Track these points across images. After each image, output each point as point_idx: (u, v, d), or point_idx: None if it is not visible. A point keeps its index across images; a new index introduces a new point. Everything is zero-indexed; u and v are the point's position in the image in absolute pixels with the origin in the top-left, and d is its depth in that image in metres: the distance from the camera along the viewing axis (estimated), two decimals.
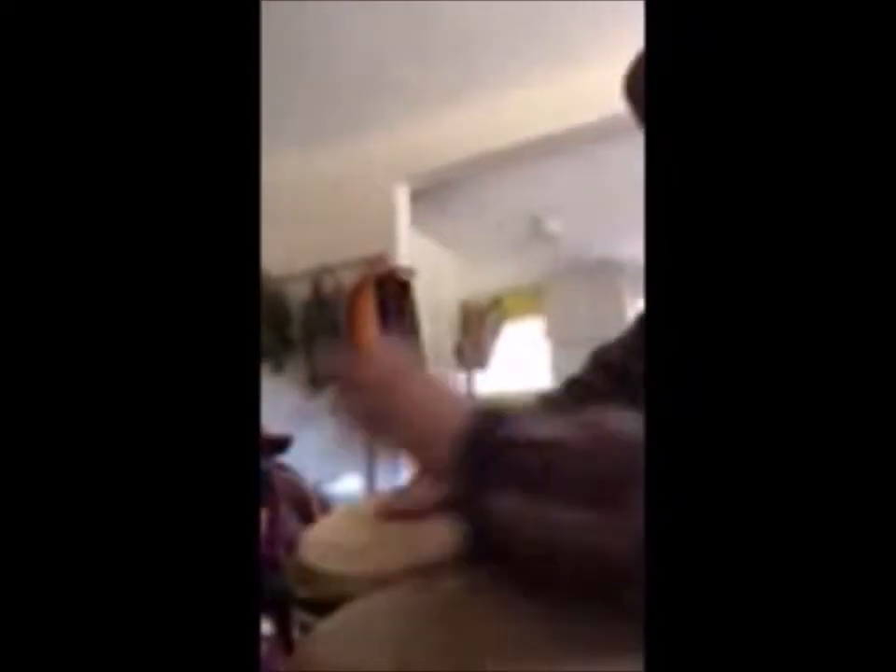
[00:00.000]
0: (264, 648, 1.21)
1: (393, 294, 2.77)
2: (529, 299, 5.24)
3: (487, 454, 0.44)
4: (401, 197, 3.04)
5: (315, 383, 2.86)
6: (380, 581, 0.60)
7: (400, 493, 0.67)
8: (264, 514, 1.65)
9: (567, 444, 0.43)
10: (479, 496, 0.44)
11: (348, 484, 2.62)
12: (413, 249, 3.07)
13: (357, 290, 2.79)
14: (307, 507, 1.89)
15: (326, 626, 0.49)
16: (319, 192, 3.15)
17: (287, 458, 2.02)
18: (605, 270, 4.90)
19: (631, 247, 4.27)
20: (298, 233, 3.06)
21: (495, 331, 4.36)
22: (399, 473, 2.76)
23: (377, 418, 0.50)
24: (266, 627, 1.25)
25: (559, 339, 5.08)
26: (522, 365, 5.14)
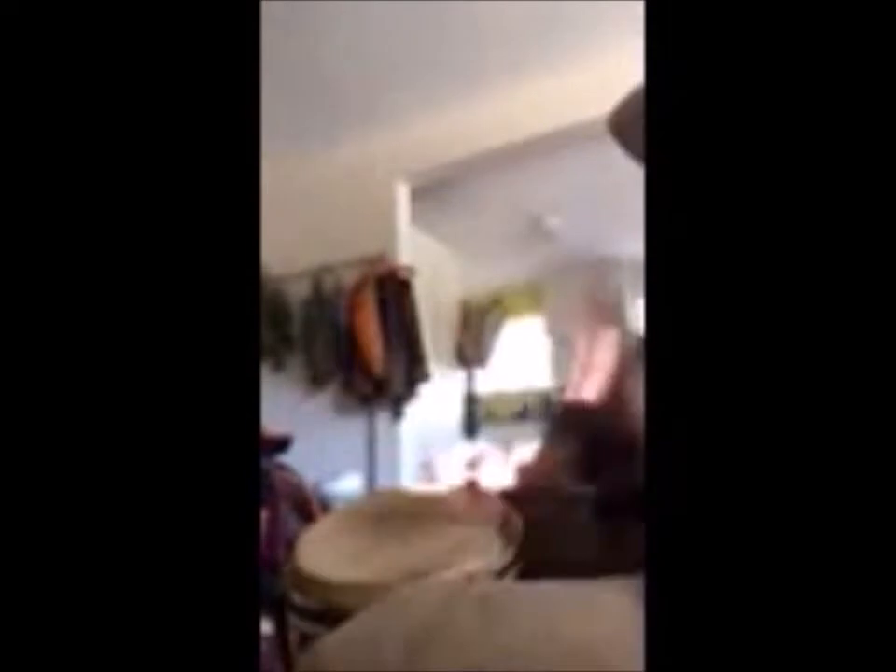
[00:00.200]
0: (264, 648, 1.21)
1: (393, 293, 2.77)
2: (529, 297, 5.24)
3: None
4: (401, 195, 3.04)
5: (316, 381, 2.87)
6: (377, 589, 0.59)
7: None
8: (264, 514, 1.65)
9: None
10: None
11: (348, 484, 2.63)
12: (413, 248, 3.07)
13: (358, 289, 2.79)
14: (307, 507, 1.89)
15: (331, 639, 0.48)
16: (319, 191, 3.15)
17: (286, 458, 2.02)
18: (605, 268, 4.90)
19: (631, 245, 4.27)
20: (298, 232, 3.06)
21: (495, 329, 4.37)
22: (399, 473, 2.77)
23: None
24: (266, 627, 1.25)
25: (559, 336, 5.09)
26: (522, 363, 5.15)
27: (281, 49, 2.29)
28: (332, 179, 3.14)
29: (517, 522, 0.69)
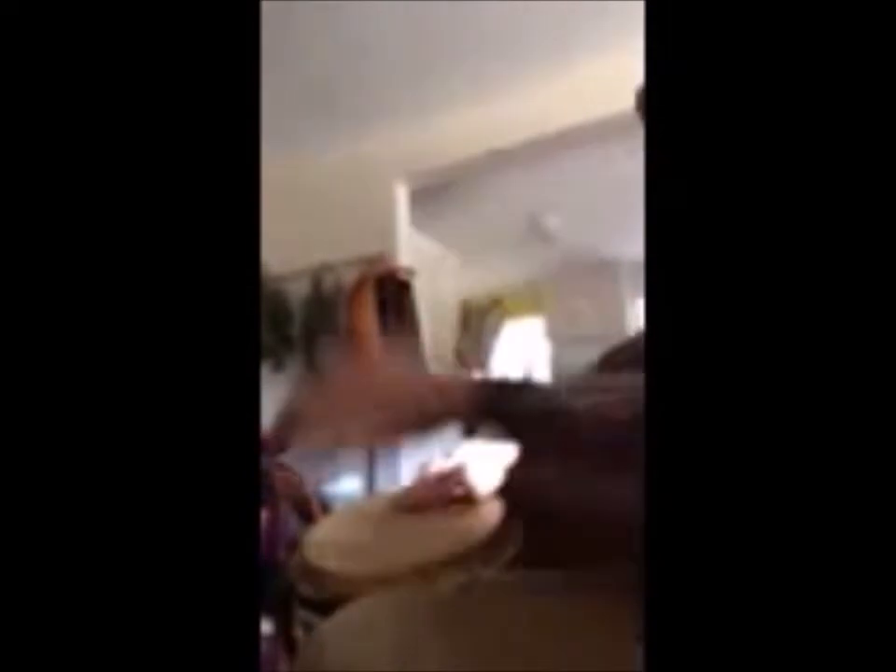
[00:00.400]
0: (265, 648, 1.21)
1: (393, 293, 2.77)
2: (529, 298, 5.24)
3: (506, 411, 0.47)
4: (401, 196, 3.04)
5: None
6: (383, 581, 0.60)
7: (411, 488, 0.70)
8: (264, 514, 1.65)
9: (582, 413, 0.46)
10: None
11: (348, 484, 2.62)
12: (412, 248, 3.07)
13: (358, 289, 2.79)
14: (307, 507, 1.89)
15: (328, 626, 0.49)
16: (319, 191, 3.15)
17: (287, 458, 2.02)
18: (604, 268, 4.90)
19: (630, 246, 4.27)
20: (298, 232, 3.06)
21: (495, 330, 4.36)
22: (399, 473, 2.76)
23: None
24: (267, 627, 1.26)
25: (559, 338, 5.09)
26: (522, 364, 5.14)
27: (281, 49, 2.29)
28: (332, 179, 3.14)
29: (516, 520, 0.69)
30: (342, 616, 0.50)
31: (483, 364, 4.21)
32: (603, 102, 2.41)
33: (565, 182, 3.49)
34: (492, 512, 0.70)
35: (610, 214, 3.84)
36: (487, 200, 3.69)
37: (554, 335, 5.17)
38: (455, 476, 0.69)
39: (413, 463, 2.90)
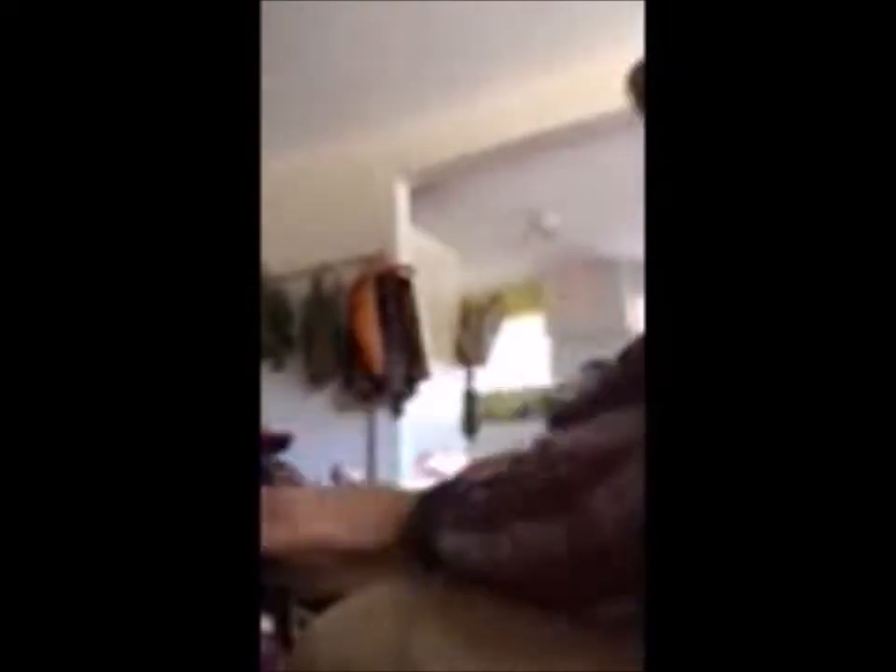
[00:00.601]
0: (265, 645, 1.21)
1: (393, 291, 2.77)
2: (529, 295, 5.24)
3: (434, 519, 0.48)
4: (401, 194, 3.04)
5: (316, 381, 2.87)
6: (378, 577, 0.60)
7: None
8: None
9: (509, 473, 0.46)
10: (430, 548, 0.47)
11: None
12: (412, 246, 3.08)
13: (358, 288, 2.79)
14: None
15: (322, 620, 0.49)
16: (319, 190, 3.15)
17: (287, 456, 2.03)
18: (604, 266, 4.90)
19: (630, 244, 4.27)
20: (298, 231, 3.06)
21: (494, 328, 4.37)
22: (399, 471, 2.77)
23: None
24: (266, 625, 1.26)
25: (559, 335, 5.09)
26: (521, 361, 5.15)
27: (281, 48, 2.29)
28: (331, 178, 3.14)
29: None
30: (336, 610, 0.50)
31: (482, 361, 4.22)
32: (603, 99, 2.41)
33: (564, 180, 3.49)
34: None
35: (610, 212, 3.84)
36: (487, 197, 3.69)
37: (554, 332, 5.17)
38: None
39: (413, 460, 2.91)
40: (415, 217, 3.17)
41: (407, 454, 2.84)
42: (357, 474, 2.71)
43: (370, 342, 2.68)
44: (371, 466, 2.77)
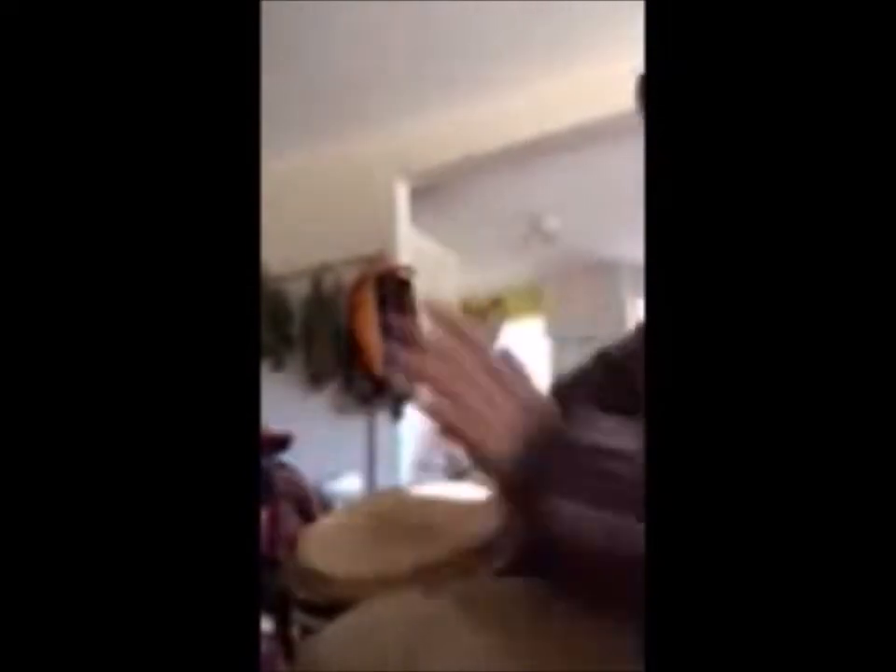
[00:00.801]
0: (265, 647, 1.21)
1: (393, 292, 2.77)
2: (529, 297, 5.24)
3: (549, 458, 0.44)
4: (401, 195, 3.04)
5: (316, 381, 2.86)
6: (382, 584, 0.59)
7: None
8: (264, 513, 1.65)
9: (628, 454, 0.43)
10: (539, 497, 0.43)
11: (348, 484, 2.63)
12: (412, 248, 3.07)
13: (358, 288, 2.79)
14: (307, 506, 1.89)
15: (331, 631, 0.48)
16: (319, 190, 3.15)
17: (287, 457, 2.02)
18: (604, 268, 4.90)
19: (630, 246, 4.27)
20: (298, 231, 3.06)
21: (495, 331, 4.36)
22: (399, 473, 2.76)
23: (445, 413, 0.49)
24: (267, 626, 1.26)
25: (559, 337, 5.08)
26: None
27: (281, 49, 2.29)
28: (332, 178, 3.14)
29: (517, 527, 0.69)
30: (344, 621, 0.49)
31: None
32: (604, 102, 2.41)
33: (565, 182, 3.49)
34: (491, 514, 0.70)
35: (611, 215, 3.84)
36: (487, 200, 3.69)
37: (554, 335, 5.17)
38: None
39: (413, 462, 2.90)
40: (416, 219, 3.16)
41: (407, 457, 2.83)
42: (356, 476, 2.71)
43: (369, 342, 2.68)
44: (371, 467, 2.77)
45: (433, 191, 3.30)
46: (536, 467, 0.45)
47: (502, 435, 0.47)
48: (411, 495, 0.94)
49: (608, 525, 0.41)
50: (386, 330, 2.66)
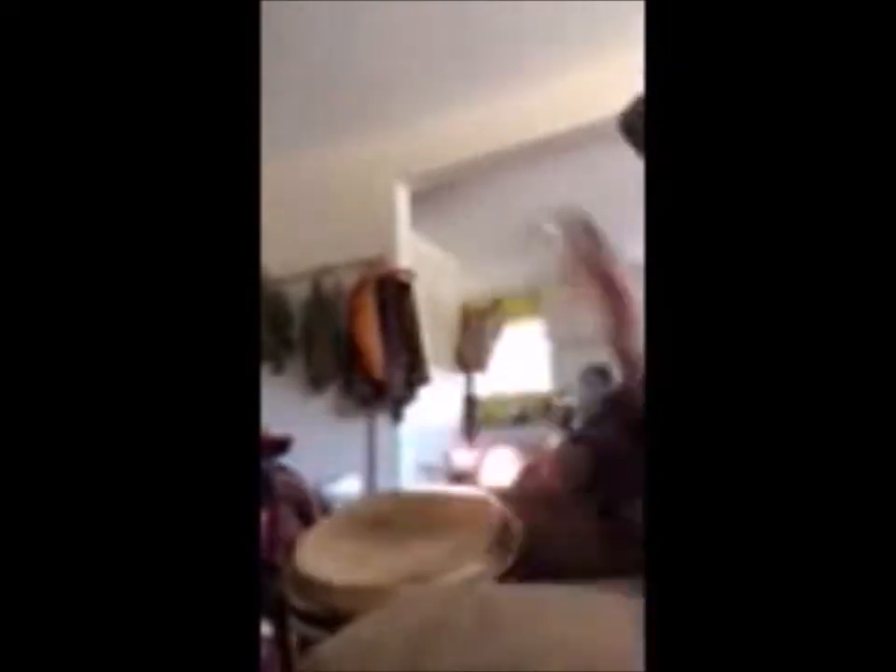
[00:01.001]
0: (264, 650, 1.21)
1: (393, 295, 2.77)
2: (529, 301, 5.24)
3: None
4: (401, 198, 3.05)
5: (316, 384, 2.86)
6: (378, 592, 0.59)
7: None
8: (264, 516, 1.65)
9: None
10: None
11: (348, 487, 2.62)
12: (412, 251, 3.08)
13: (358, 291, 2.79)
14: (307, 509, 1.89)
15: (332, 644, 0.48)
16: (319, 193, 3.16)
17: (287, 460, 2.02)
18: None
19: (631, 249, 4.28)
20: (298, 234, 3.06)
21: (495, 333, 4.37)
22: (399, 475, 2.76)
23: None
24: (266, 630, 1.25)
25: (558, 341, 5.09)
26: (521, 366, 5.14)
27: (282, 51, 2.30)
28: (332, 181, 3.14)
29: (517, 527, 0.69)
30: (345, 634, 0.48)
31: (482, 366, 4.22)
32: (604, 104, 2.41)
33: (565, 185, 3.50)
34: (492, 519, 0.70)
35: (610, 217, 3.84)
36: (487, 203, 3.69)
37: (554, 338, 5.17)
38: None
39: (413, 464, 2.90)
40: (415, 223, 3.17)
41: (407, 459, 2.83)
42: (356, 479, 2.71)
43: (369, 345, 2.68)
44: (370, 470, 2.77)
45: (433, 195, 3.31)
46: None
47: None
48: (409, 495, 0.94)
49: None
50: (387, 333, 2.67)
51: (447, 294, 3.94)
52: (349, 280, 2.85)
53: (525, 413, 4.80)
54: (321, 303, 2.90)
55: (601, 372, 3.19)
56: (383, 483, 2.72)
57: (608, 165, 3.12)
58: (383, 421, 2.80)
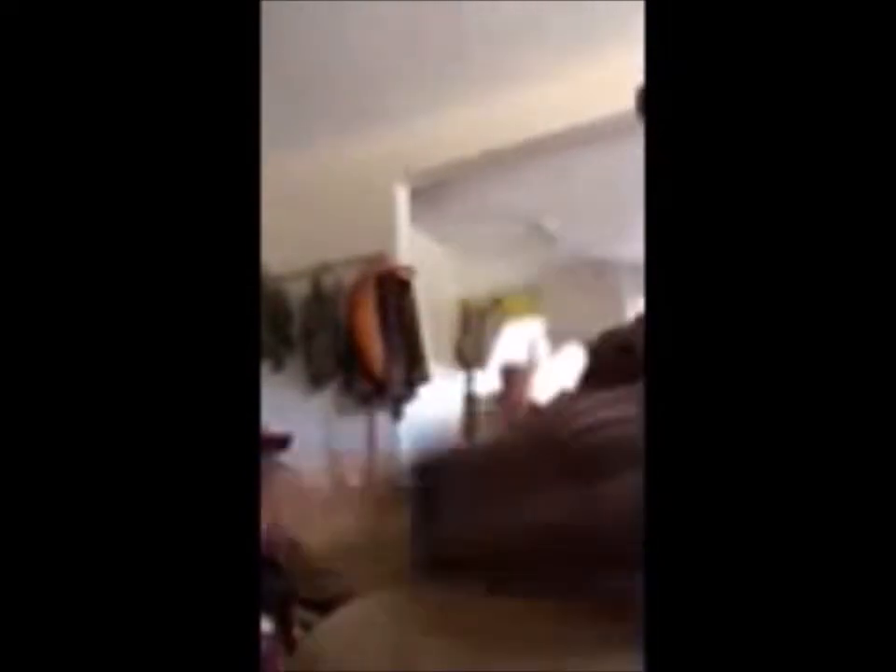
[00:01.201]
0: (264, 646, 1.21)
1: (393, 293, 2.77)
2: (529, 298, 5.23)
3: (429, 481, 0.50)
4: (401, 195, 3.04)
5: (316, 381, 2.86)
6: (384, 578, 0.60)
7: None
8: (264, 514, 1.65)
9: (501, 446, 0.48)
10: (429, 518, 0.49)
11: None
12: (412, 249, 3.07)
13: (358, 289, 2.79)
14: (307, 506, 1.89)
15: (327, 624, 0.49)
16: (319, 190, 3.15)
17: (286, 457, 2.02)
18: (604, 269, 4.90)
19: (630, 247, 4.27)
20: (298, 231, 3.06)
21: (495, 331, 4.37)
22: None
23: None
24: (266, 626, 1.26)
25: (559, 338, 5.08)
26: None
27: (281, 49, 2.29)
28: (332, 179, 3.14)
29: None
30: (337, 616, 0.50)
31: (482, 364, 4.22)
32: (603, 102, 2.41)
33: (565, 183, 3.49)
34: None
35: (610, 215, 3.84)
36: (488, 201, 3.69)
37: (554, 335, 5.16)
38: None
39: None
40: (415, 220, 3.16)
41: (406, 457, 2.83)
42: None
43: (369, 342, 2.68)
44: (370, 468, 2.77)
45: (433, 192, 3.30)
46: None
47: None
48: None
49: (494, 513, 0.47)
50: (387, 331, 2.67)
51: (447, 291, 3.94)
52: (349, 277, 2.85)
53: None
54: (321, 301, 2.90)
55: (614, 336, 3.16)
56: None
57: (607, 163, 3.12)
58: (383, 419, 2.80)
